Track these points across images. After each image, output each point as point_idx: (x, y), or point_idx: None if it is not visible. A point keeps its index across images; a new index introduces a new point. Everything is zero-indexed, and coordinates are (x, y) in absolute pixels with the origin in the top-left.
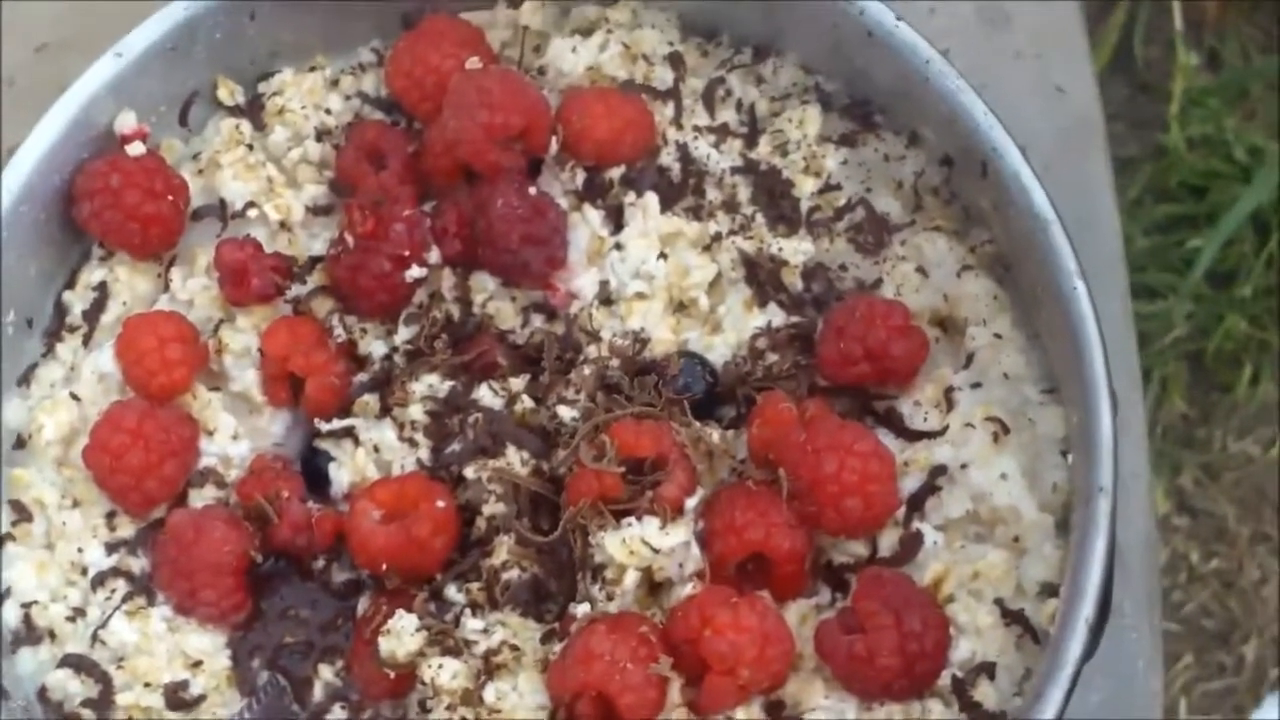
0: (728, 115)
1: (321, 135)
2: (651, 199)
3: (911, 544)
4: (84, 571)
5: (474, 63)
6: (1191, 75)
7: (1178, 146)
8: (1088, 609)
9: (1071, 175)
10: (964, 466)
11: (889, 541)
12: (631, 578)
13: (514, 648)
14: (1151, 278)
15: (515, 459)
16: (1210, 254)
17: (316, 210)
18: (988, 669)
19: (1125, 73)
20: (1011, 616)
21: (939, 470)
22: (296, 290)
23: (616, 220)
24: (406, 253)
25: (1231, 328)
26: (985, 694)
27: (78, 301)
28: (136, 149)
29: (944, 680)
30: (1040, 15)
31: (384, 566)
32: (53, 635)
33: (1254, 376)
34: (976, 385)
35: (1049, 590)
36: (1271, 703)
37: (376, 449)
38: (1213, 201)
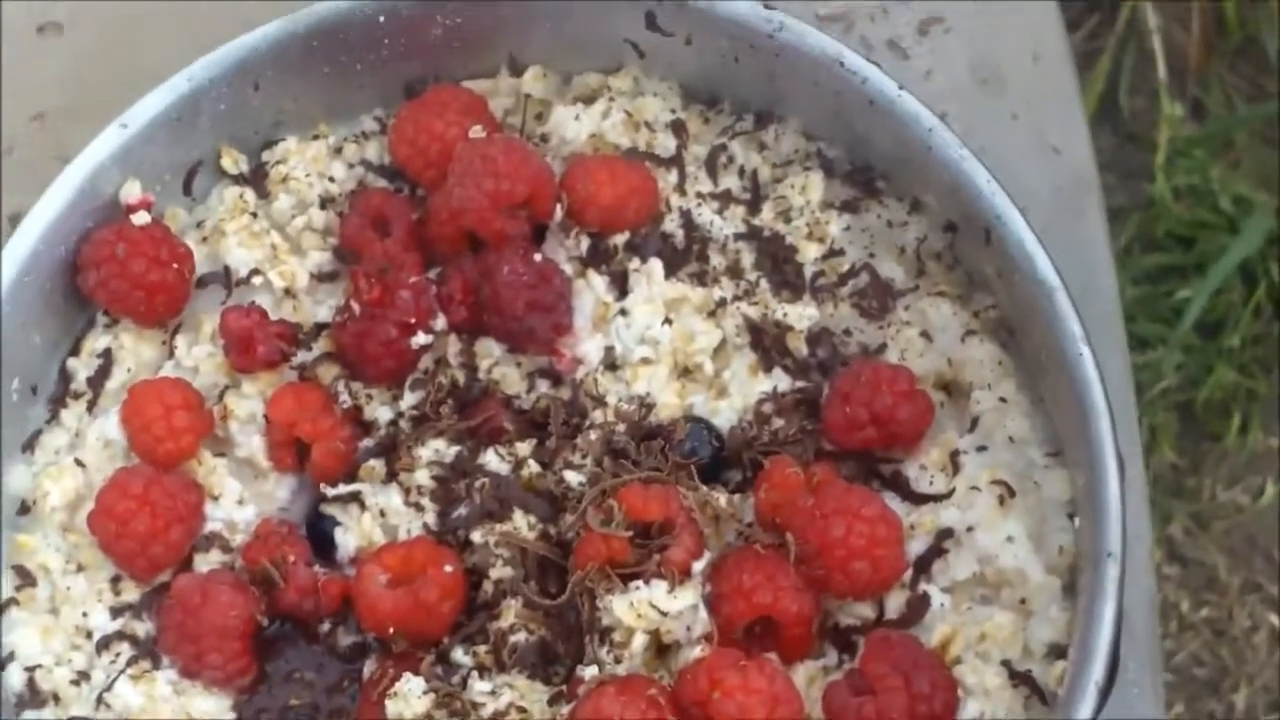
0: (730, 181)
1: (325, 203)
2: (656, 265)
3: (918, 606)
4: (89, 635)
5: (478, 131)
6: (1176, 125)
7: (1164, 196)
8: (1097, 672)
9: (1068, 234)
10: (970, 529)
11: (896, 603)
12: (639, 640)
13: (521, 710)
14: (1140, 328)
15: (522, 523)
16: (1199, 305)
17: (321, 277)
18: None
19: (1111, 123)
20: (1019, 678)
21: (945, 533)
22: (302, 357)
23: (621, 286)
24: (412, 319)
25: (1220, 377)
26: None
27: (82, 368)
28: (142, 218)
29: None
30: (1034, 76)
31: (391, 630)
32: (57, 699)
33: (1243, 425)
34: (982, 449)
35: (1056, 652)
36: None
37: (383, 514)
38: (1200, 251)
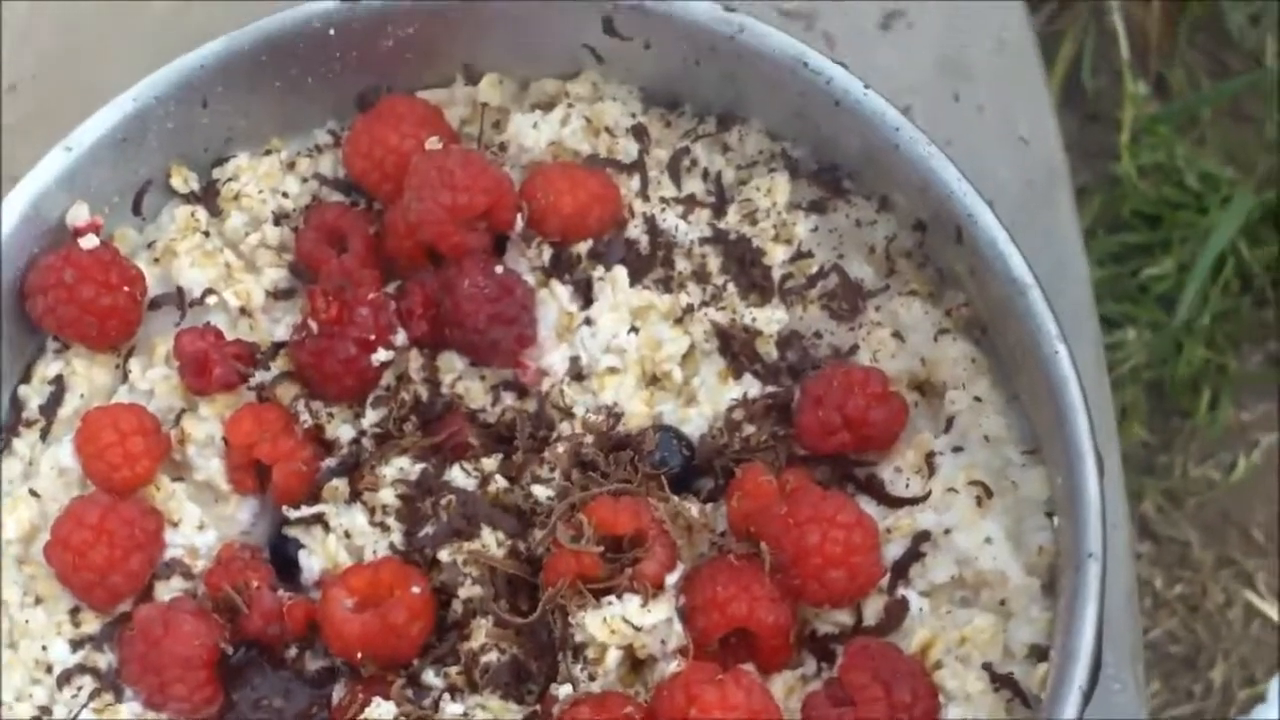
0: (694, 185)
1: (280, 219)
2: (620, 272)
3: (897, 611)
4: (49, 669)
5: (434, 142)
6: (1140, 104)
7: (1130, 175)
8: (1080, 676)
9: (1039, 225)
10: (947, 532)
11: (874, 609)
12: (614, 656)
13: None
14: (1107, 308)
15: (491, 540)
16: (1190, 297)
17: (278, 295)
18: None
19: (1074, 104)
20: (1001, 681)
21: (922, 536)
22: (260, 377)
23: (585, 295)
24: (372, 336)
25: (1190, 354)
26: None
27: (34, 396)
28: (90, 241)
29: None
30: (999, 66)
31: (359, 655)
32: None
33: (1213, 402)
34: (958, 449)
35: (1038, 654)
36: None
37: (348, 534)
38: (1167, 229)
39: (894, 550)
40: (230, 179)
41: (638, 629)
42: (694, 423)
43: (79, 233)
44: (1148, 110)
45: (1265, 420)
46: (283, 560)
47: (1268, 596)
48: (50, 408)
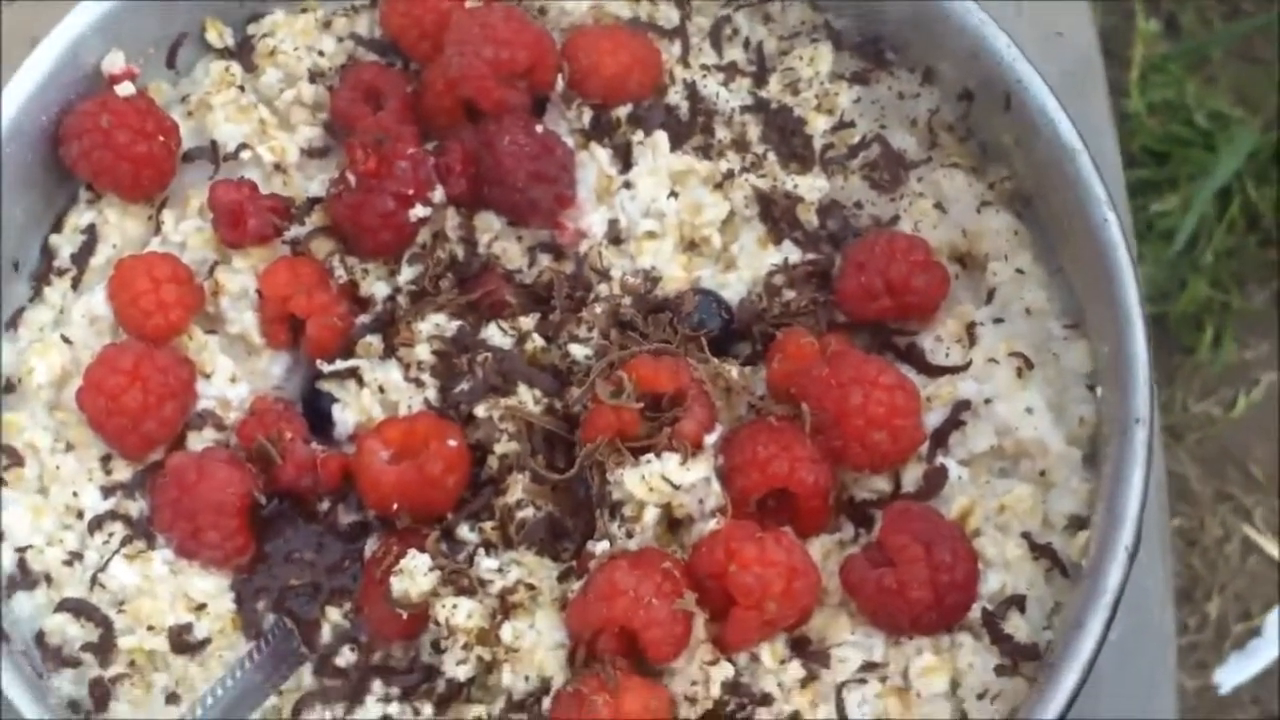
0: (735, 54)
1: (315, 77)
2: (661, 137)
3: (936, 478)
4: (80, 515)
5: (474, 1)
6: (1151, 42)
7: (1139, 112)
8: (1127, 537)
9: (1075, 115)
10: (988, 401)
11: (912, 476)
12: (651, 514)
13: (530, 586)
14: None
15: (528, 397)
16: (1188, 231)
17: (311, 152)
18: (1018, 601)
19: None
20: (1040, 550)
21: (963, 405)
22: (295, 231)
23: (625, 159)
24: (411, 191)
25: (1194, 291)
26: (1016, 626)
27: (66, 244)
28: (126, 89)
29: (974, 613)
30: None
31: (395, 506)
32: (49, 579)
33: (1216, 339)
34: (999, 320)
35: (1077, 523)
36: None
37: (382, 389)
38: (1175, 166)
39: (933, 419)
40: (265, 35)
41: (676, 487)
42: (733, 287)
43: (114, 80)
44: (1158, 49)
45: (1266, 358)
46: (315, 415)
47: (1265, 532)
48: (82, 257)
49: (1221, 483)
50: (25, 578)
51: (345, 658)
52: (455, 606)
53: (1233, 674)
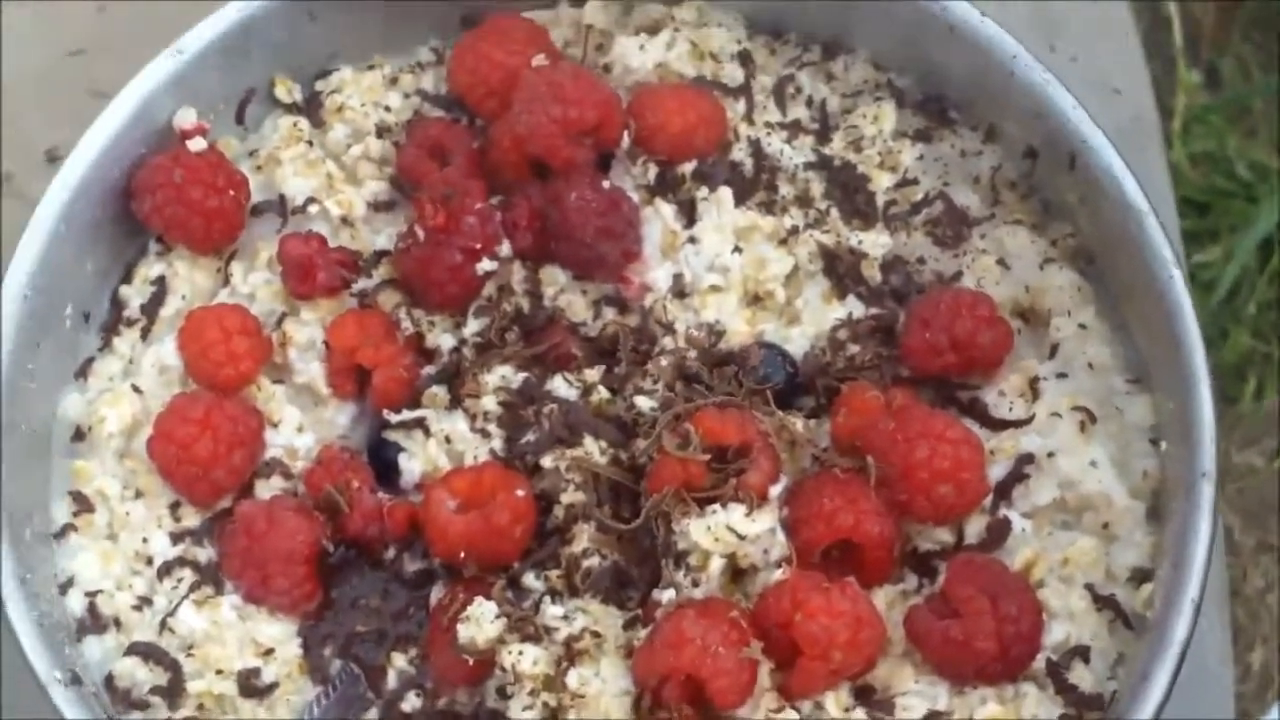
0: (799, 112)
1: (381, 132)
2: (725, 193)
3: (999, 530)
4: (149, 561)
5: (540, 60)
6: (1193, 93)
7: (1181, 163)
8: (1194, 590)
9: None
10: (1051, 455)
11: (975, 528)
12: (716, 564)
13: (595, 634)
14: None
15: (593, 448)
16: (1229, 282)
17: (378, 206)
18: (1082, 652)
19: None
20: (1103, 601)
21: (1026, 458)
22: (362, 284)
23: (689, 214)
24: (478, 245)
25: (1237, 342)
26: (1081, 676)
27: (135, 295)
28: (198, 144)
29: (1038, 664)
30: (1092, 17)
31: (462, 555)
32: (119, 624)
33: (1258, 389)
34: (1062, 375)
35: (1140, 575)
36: None
37: (448, 439)
38: (1216, 217)
39: (997, 471)
40: (334, 91)
41: (742, 538)
42: (796, 342)
43: (186, 135)
44: (1199, 99)
45: None
46: (380, 465)
47: None
48: (152, 307)
49: (1264, 533)
50: (95, 622)
51: (411, 703)
52: (521, 653)
53: None
